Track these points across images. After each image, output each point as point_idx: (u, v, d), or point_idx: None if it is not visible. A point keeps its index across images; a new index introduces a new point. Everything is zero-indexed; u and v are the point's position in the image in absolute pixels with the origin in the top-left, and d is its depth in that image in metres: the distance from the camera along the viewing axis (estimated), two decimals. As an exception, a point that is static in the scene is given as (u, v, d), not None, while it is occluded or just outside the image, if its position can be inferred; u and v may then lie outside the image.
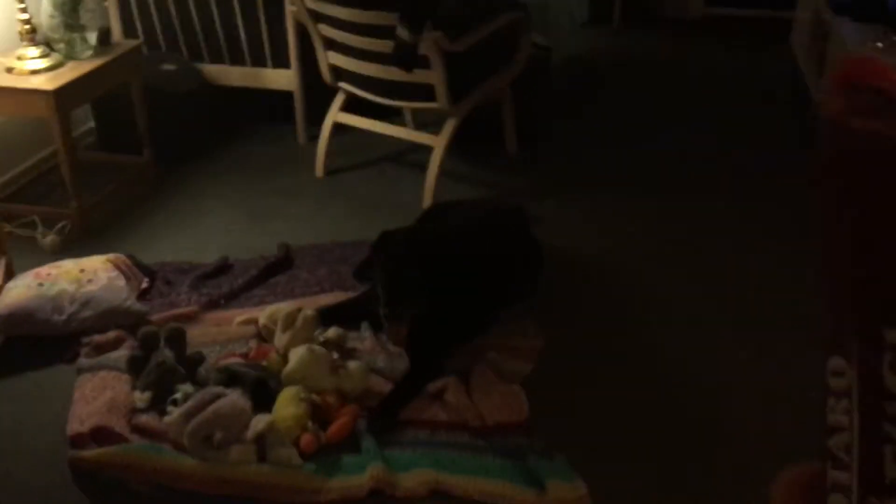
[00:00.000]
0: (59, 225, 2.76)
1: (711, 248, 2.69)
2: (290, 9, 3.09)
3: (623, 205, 2.95)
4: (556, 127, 3.48)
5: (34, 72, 2.65)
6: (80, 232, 2.78)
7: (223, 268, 2.58)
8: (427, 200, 2.90)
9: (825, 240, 0.19)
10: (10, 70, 2.66)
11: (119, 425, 1.91)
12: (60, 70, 2.69)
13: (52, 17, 2.72)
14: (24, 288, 2.25)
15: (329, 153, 3.16)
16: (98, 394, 2.00)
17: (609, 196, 3.00)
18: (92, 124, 3.41)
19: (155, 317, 2.31)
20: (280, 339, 2.13)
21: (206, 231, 2.85)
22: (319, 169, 3.18)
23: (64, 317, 2.22)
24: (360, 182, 3.14)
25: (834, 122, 0.19)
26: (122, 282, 2.34)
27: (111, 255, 2.43)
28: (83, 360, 2.13)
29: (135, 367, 2.05)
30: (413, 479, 1.80)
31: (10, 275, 2.44)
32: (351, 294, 2.40)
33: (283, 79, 3.32)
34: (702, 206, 2.93)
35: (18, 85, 2.60)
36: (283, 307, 2.22)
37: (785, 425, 1.91)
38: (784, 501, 0.21)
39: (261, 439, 1.84)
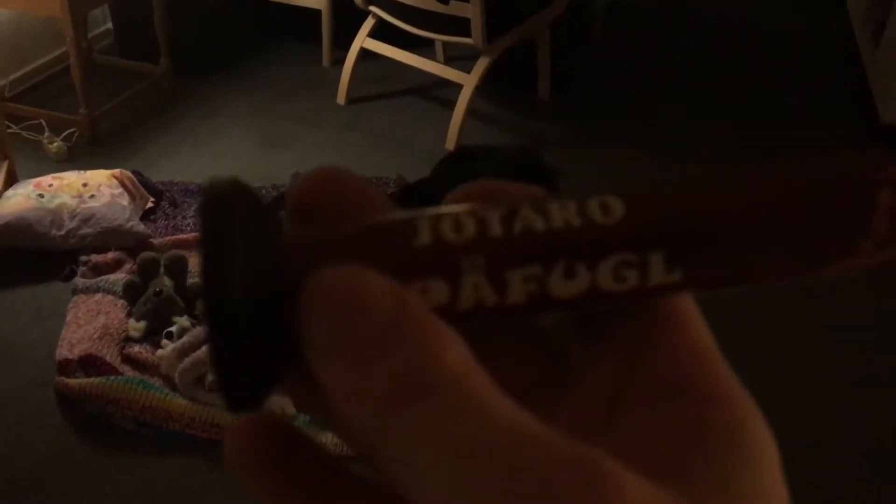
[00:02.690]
0: (67, 131, 2.65)
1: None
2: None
3: (658, 169, 2.81)
4: (594, 75, 3.31)
5: (49, -34, 2.50)
6: (87, 141, 2.67)
7: (232, 194, 2.47)
8: (451, 140, 2.77)
9: None
10: (23, -37, 2.51)
11: (110, 354, 1.84)
12: (77, -33, 2.53)
13: None
14: (22, 197, 2.16)
15: (353, 80, 3.01)
16: (91, 318, 1.93)
17: (644, 156, 2.86)
18: (110, 25, 3.26)
19: (157, 240, 2.22)
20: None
21: (218, 152, 2.74)
22: (342, 96, 3.04)
23: (62, 232, 2.13)
24: (383, 114, 3.01)
25: None
26: (125, 200, 2.24)
27: (116, 171, 2.33)
28: (79, 280, 2.05)
29: (131, 293, 1.97)
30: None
31: (12, 179, 2.35)
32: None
33: (311, -4, 3.16)
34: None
35: (31, -20, 2.46)
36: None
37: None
38: None
39: (255, 385, 1.76)
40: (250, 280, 0.17)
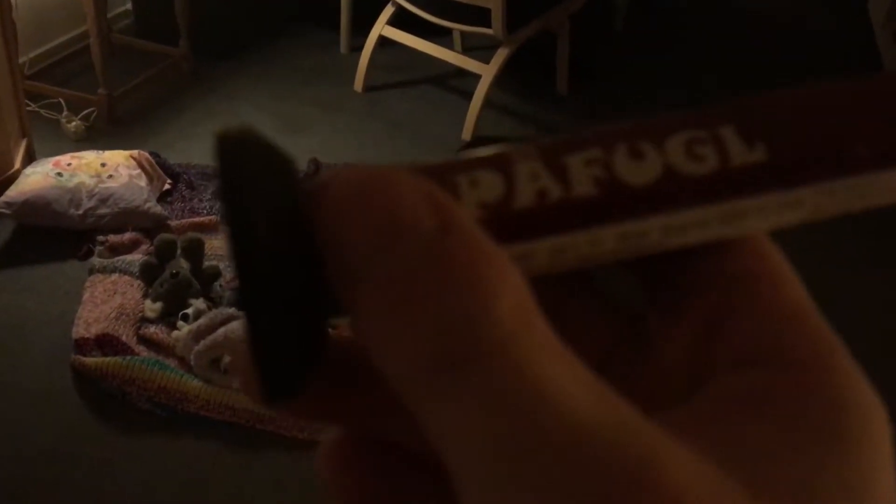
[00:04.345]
0: (86, 111, 2.66)
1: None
2: None
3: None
4: (615, 69, 3.29)
5: (72, -54, 2.50)
6: (106, 121, 2.67)
7: (249, 178, 2.47)
8: (468, 131, 2.77)
9: None
10: (47, -59, 2.51)
11: (126, 334, 1.85)
12: (100, -53, 2.53)
13: None
14: (41, 176, 2.17)
15: (371, 68, 3.01)
16: (108, 298, 1.94)
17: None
18: (129, 6, 3.26)
19: (174, 222, 2.23)
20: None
21: (235, 135, 2.73)
22: (359, 83, 3.04)
23: (80, 211, 2.14)
24: (400, 103, 3.01)
25: None
26: (143, 181, 2.24)
27: (135, 152, 2.33)
28: (96, 260, 2.06)
29: (148, 274, 1.98)
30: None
31: (30, 158, 2.35)
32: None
33: (331, -18, 3.15)
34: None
35: (54, -42, 2.46)
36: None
37: None
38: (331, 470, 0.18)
39: (270, 369, 1.77)
40: (278, 219, 0.14)
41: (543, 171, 0.15)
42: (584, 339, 0.17)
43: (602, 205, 0.15)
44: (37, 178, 2.17)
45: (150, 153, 2.39)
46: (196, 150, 2.62)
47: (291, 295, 0.14)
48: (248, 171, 0.15)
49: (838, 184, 0.16)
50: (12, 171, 2.23)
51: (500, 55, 2.74)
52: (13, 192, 2.13)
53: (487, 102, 2.78)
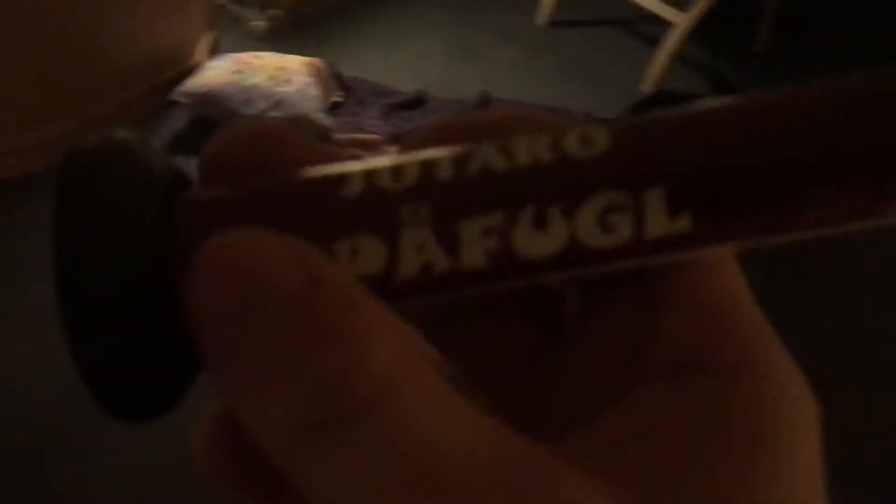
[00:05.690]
0: (271, 12, 2.68)
1: None
2: None
3: None
4: (829, 25, 3.00)
5: None
6: (288, 24, 2.69)
7: (418, 101, 2.44)
8: (649, 82, 2.61)
9: None
10: None
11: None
12: None
13: None
14: (222, 71, 2.20)
15: (557, 1, 2.88)
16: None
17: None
18: None
19: (337, 136, 2.23)
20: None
21: (410, 56, 2.70)
22: (542, 16, 2.92)
23: (252, 111, 2.17)
24: (581, 42, 2.87)
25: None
26: (315, 91, 2.24)
27: (313, 59, 2.33)
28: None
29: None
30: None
31: (213, 51, 2.40)
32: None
33: None
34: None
35: None
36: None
37: None
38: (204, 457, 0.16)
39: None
40: (120, 264, 0.13)
41: (432, 240, 0.14)
42: (501, 346, 0.17)
43: (490, 274, 0.14)
44: (217, 73, 2.20)
45: (327, 62, 2.39)
46: (371, 64, 2.60)
47: (134, 359, 0.13)
48: (91, 213, 0.13)
49: (776, 238, 0.14)
50: (193, 61, 2.28)
51: (701, 4, 2.55)
52: (194, 84, 2.18)
53: (676, 54, 2.60)
